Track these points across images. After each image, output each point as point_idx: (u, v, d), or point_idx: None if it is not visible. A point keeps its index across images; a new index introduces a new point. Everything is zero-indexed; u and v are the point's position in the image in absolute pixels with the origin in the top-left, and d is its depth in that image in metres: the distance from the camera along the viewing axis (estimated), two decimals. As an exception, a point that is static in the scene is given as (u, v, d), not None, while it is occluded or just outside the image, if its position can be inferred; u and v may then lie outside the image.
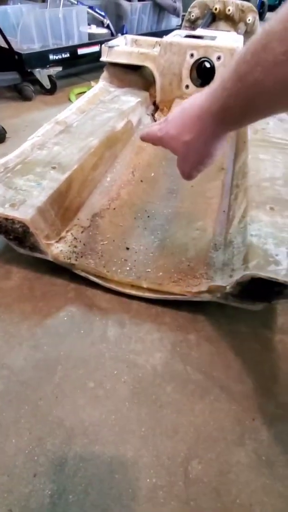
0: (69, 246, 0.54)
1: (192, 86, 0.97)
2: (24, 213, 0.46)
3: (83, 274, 0.53)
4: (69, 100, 1.34)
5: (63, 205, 0.55)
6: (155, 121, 1.00)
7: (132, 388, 0.44)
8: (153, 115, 1.01)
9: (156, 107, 1.04)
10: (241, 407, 0.43)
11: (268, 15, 3.51)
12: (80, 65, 1.47)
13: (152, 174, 0.81)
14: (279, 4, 3.29)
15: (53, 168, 0.58)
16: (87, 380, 0.44)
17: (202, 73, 0.96)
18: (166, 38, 0.94)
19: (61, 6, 1.30)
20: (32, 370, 0.45)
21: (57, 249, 0.52)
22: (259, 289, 0.41)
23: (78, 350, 0.48)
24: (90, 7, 1.47)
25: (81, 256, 0.54)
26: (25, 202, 0.49)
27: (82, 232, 0.57)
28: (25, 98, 1.30)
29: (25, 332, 0.49)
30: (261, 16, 3.40)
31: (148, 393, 0.43)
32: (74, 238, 0.56)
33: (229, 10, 1.19)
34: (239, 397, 0.44)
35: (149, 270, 0.55)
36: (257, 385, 0.45)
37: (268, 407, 0.43)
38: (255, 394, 0.44)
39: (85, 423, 0.40)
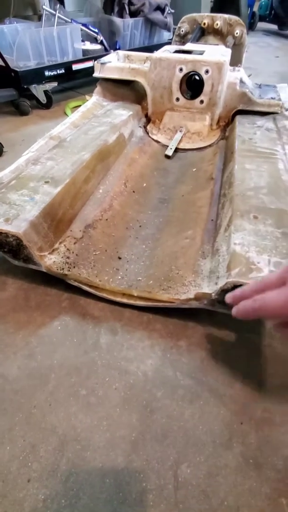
0: (62, 257, 0.56)
1: (182, 99, 1.00)
2: (17, 227, 0.49)
3: (76, 284, 0.55)
4: (65, 113, 1.38)
5: (56, 218, 0.57)
6: (147, 133, 1.03)
7: (123, 394, 0.45)
8: (145, 127, 1.04)
9: (148, 119, 1.07)
10: (230, 411, 0.44)
11: (259, 25, 3.60)
12: (75, 80, 1.51)
13: (144, 185, 0.83)
14: (270, 15, 3.39)
15: (46, 182, 0.60)
16: (79, 387, 0.46)
17: (192, 85, 1.00)
18: (156, 54, 0.97)
19: (55, 25, 1.35)
20: (26, 379, 0.46)
21: (50, 260, 0.54)
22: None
23: (71, 359, 0.49)
24: (84, 25, 1.52)
25: (74, 267, 0.56)
26: (19, 216, 0.51)
27: (75, 243, 0.59)
28: (22, 113, 1.34)
29: (20, 342, 0.51)
30: (252, 27, 3.50)
31: (139, 399, 0.45)
32: (67, 249, 0.58)
33: (217, 24, 1.24)
34: (228, 401, 0.45)
35: (140, 278, 0.57)
36: (245, 389, 0.46)
37: (255, 410, 0.44)
38: (243, 398, 0.45)
39: (77, 429, 0.42)
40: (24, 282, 0.60)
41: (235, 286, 0.41)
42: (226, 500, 0.36)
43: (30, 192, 0.57)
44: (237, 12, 2.86)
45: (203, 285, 0.50)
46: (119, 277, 0.58)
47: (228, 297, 0.36)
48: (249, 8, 3.26)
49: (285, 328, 0.33)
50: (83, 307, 0.56)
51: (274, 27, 3.51)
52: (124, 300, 0.54)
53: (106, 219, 0.68)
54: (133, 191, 0.80)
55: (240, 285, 0.41)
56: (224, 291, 0.43)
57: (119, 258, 0.61)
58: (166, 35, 1.85)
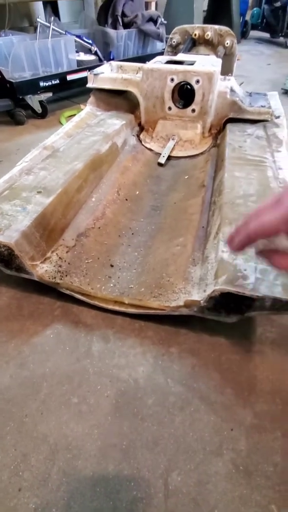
0: (54, 266, 0.57)
1: (174, 108, 1.02)
2: (8, 237, 0.49)
3: (68, 292, 0.55)
4: (60, 123, 1.40)
5: (48, 227, 0.58)
6: (140, 141, 1.05)
7: (114, 402, 0.45)
8: (138, 135, 1.06)
9: (141, 128, 1.09)
10: (220, 417, 0.44)
11: (252, 33, 3.67)
12: (70, 90, 1.54)
13: (137, 192, 0.85)
14: (262, 23, 3.45)
15: (39, 192, 0.61)
16: (71, 396, 0.46)
17: (184, 94, 1.02)
18: (147, 65, 0.99)
19: (49, 36, 1.38)
20: (18, 388, 0.47)
21: (42, 269, 0.55)
22: (231, 303, 0.43)
23: (63, 367, 0.49)
24: (78, 36, 1.55)
25: (66, 275, 0.56)
26: (10, 226, 0.52)
27: (67, 251, 0.60)
28: (18, 122, 1.35)
29: (12, 351, 0.51)
30: (245, 35, 3.56)
31: (130, 407, 0.45)
32: (59, 258, 0.58)
33: (208, 35, 1.26)
34: (218, 407, 0.45)
35: (132, 286, 0.58)
36: (235, 395, 0.46)
37: (246, 417, 0.44)
38: (233, 404, 0.45)
39: (69, 438, 0.42)
40: (17, 291, 0.61)
41: (223, 294, 0.42)
42: (216, 507, 0.37)
43: (22, 202, 0.58)
44: (229, 21, 2.92)
45: (193, 292, 0.51)
46: (111, 285, 0.58)
47: (228, 240, 0.34)
48: (242, 17, 3.33)
49: (270, 254, 0.32)
50: (75, 315, 0.57)
51: (266, 35, 3.58)
52: (116, 308, 0.55)
53: (99, 227, 0.69)
54: (126, 199, 0.81)
55: (228, 293, 0.42)
56: (212, 298, 0.43)
57: (112, 265, 0.62)
58: (159, 45, 1.88)
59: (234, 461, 0.40)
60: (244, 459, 0.40)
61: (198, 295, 0.48)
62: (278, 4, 3.10)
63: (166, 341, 0.53)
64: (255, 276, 0.42)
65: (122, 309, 0.54)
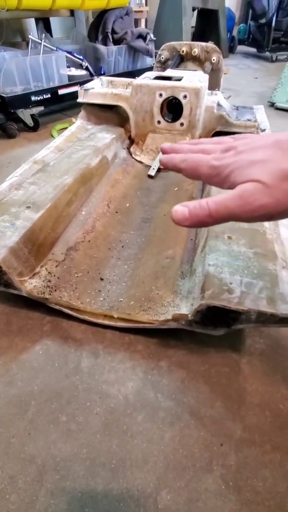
0: (43, 281, 0.57)
1: (163, 122, 1.04)
2: (-4, 254, 0.49)
3: (57, 307, 0.55)
4: (52, 136, 1.42)
5: (37, 242, 0.58)
6: (130, 154, 1.06)
7: (104, 419, 0.45)
8: (128, 148, 1.08)
9: (132, 141, 1.11)
10: (210, 432, 0.44)
11: (239, 48, 3.80)
12: (61, 103, 1.56)
13: (127, 205, 0.86)
14: (248, 38, 3.59)
15: (28, 207, 0.62)
16: (59, 414, 0.45)
17: (173, 108, 1.04)
18: (136, 81, 1.02)
19: (41, 53, 1.40)
20: (5, 407, 0.46)
21: (31, 285, 0.55)
22: (218, 316, 0.44)
23: (52, 384, 0.49)
24: (69, 52, 1.59)
25: (55, 290, 0.56)
26: (-2, 242, 0.52)
27: (56, 266, 0.60)
28: (9, 136, 1.37)
29: (0, 369, 0.51)
30: (232, 50, 3.69)
31: (120, 424, 0.44)
32: (49, 272, 0.58)
33: (195, 51, 1.31)
34: (208, 422, 0.45)
35: (122, 299, 0.58)
36: (225, 408, 0.46)
37: (235, 430, 0.44)
38: (223, 418, 0.45)
39: (57, 458, 0.41)
40: (6, 306, 0.60)
41: (209, 307, 0.42)
42: (206, 526, 0.36)
43: (11, 218, 0.58)
44: (217, 37, 3.03)
45: (181, 306, 0.51)
46: (101, 299, 0.58)
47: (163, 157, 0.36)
48: (229, 33, 3.45)
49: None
50: (65, 330, 0.57)
51: (252, 50, 3.71)
52: (106, 322, 0.55)
53: (89, 241, 0.69)
54: (116, 212, 0.81)
55: (214, 306, 0.42)
56: (199, 312, 0.44)
57: (101, 279, 0.62)
58: (148, 60, 1.93)
59: (224, 477, 0.40)
60: (234, 474, 0.40)
61: (186, 309, 0.49)
62: (263, 20, 3.23)
63: (156, 354, 0.53)
64: (241, 290, 0.43)
65: (112, 323, 0.54)
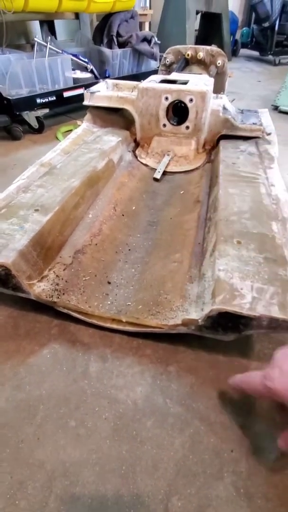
0: (51, 284, 0.57)
1: (169, 125, 1.04)
2: (5, 257, 0.49)
3: (65, 311, 0.55)
4: (56, 138, 1.42)
5: (45, 246, 0.58)
6: (136, 157, 1.06)
7: (113, 425, 0.45)
8: (134, 151, 1.08)
9: (137, 144, 1.11)
10: (220, 439, 0.44)
11: (242, 51, 3.81)
12: (66, 105, 1.57)
13: (134, 208, 0.86)
14: (251, 42, 3.60)
15: (36, 210, 0.62)
16: (68, 419, 0.45)
17: (179, 111, 1.05)
18: (142, 84, 1.02)
19: (46, 56, 1.41)
20: (13, 411, 0.46)
21: (39, 288, 0.55)
22: (229, 322, 0.44)
23: (60, 388, 0.49)
24: (74, 55, 1.60)
25: (63, 293, 0.56)
26: (8, 246, 0.52)
27: (64, 269, 0.60)
28: (14, 138, 1.37)
29: (8, 372, 0.50)
30: (235, 53, 3.70)
31: (129, 429, 0.44)
32: (57, 276, 0.58)
33: (200, 55, 1.31)
34: (218, 428, 0.45)
35: (130, 303, 0.58)
36: (235, 414, 0.46)
37: (246, 437, 0.44)
38: (233, 425, 0.45)
39: (66, 464, 0.41)
40: (14, 309, 0.60)
41: (220, 313, 0.42)
42: (217, 534, 0.36)
43: (19, 221, 0.58)
44: (220, 40, 3.04)
45: (191, 310, 0.51)
46: (109, 302, 0.58)
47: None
48: (232, 36, 3.47)
49: None
50: (72, 334, 0.56)
51: (255, 53, 3.72)
52: (114, 326, 0.54)
53: (96, 244, 0.69)
54: (123, 215, 0.81)
55: (225, 312, 0.42)
56: (209, 317, 0.44)
57: (109, 282, 0.62)
58: (153, 64, 1.94)
59: (235, 484, 0.40)
60: (245, 481, 0.40)
61: (196, 314, 0.49)
62: (266, 24, 3.24)
63: (164, 359, 0.53)
64: (252, 295, 0.43)
65: (120, 327, 0.54)
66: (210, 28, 3.08)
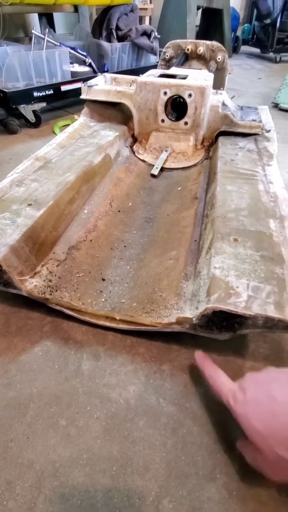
0: (44, 280, 0.55)
1: (167, 120, 1.03)
2: (-4, 252, 0.48)
3: (57, 307, 0.54)
4: (53, 132, 1.40)
5: (38, 241, 0.57)
6: (133, 152, 1.05)
7: (104, 424, 0.44)
8: (131, 147, 1.06)
9: (135, 139, 1.10)
10: (213, 439, 0.43)
11: (243, 48, 3.78)
12: (64, 99, 1.54)
13: (130, 204, 0.84)
14: (252, 38, 3.57)
15: (29, 205, 0.60)
16: (59, 418, 0.44)
17: (177, 106, 1.03)
18: (141, 78, 1.01)
19: (44, 48, 1.39)
20: (3, 410, 0.45)
21: (31, 284, 0.54)
22: (223, 320, 0.43)
23: (51, 387, 0.48)
24: (73, 48, 1.57)
25: (56, 290, 0.55)
26: (-1, 241, 0.50)
27: (57, 265, 0.59)
28: (11, 131, 1.35)
29: (-1, 370, 0.49)
30: (236, 50, 3.67)
31: (121, 429, 0.43)
32: (49, 272, 0.57)
33: (200, 50, 1.29)
34: (211, 428, 0.44)
35: (124, 301, 0.57)
36: (228, 414, 0.45)
37: (239, 437, 0.43)
38: (226, 424, 0.44)
39: (56, 464, 0.40)
40: (5, 305, 0.59)
41: (215, 312, 0.41)
42: (209, 537, 0.35)
43: (12, 215, 0.57)
44: (221, 37, 3.01)
45: (185, 308, 0.50)
46: (103, 300, 0.57)
47: None
48: (233, 33, 3.43)
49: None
50: (65, 331, 0.55)
51: (256, 50, 3.69)
52: (107, 324, 0.53)
53: (91, 240, 0.68)
54: (119, 211, 0.80)
55: (220, 311, 0.41)
56: (204, 316, 0.43)
57: (103, 279, 0.61)
58: (152, 58, 1.92)
59: (228, 486, 0.39)
60: (238, 483, 0.39)
61: (190, 312, 0.48)
62: (267, 21, 3.21)
63: (158, 358, 0.52)
64: (248, 294, 0.42)
65: (113, 325, 0.53)
66: (211, 24, 3.04)
